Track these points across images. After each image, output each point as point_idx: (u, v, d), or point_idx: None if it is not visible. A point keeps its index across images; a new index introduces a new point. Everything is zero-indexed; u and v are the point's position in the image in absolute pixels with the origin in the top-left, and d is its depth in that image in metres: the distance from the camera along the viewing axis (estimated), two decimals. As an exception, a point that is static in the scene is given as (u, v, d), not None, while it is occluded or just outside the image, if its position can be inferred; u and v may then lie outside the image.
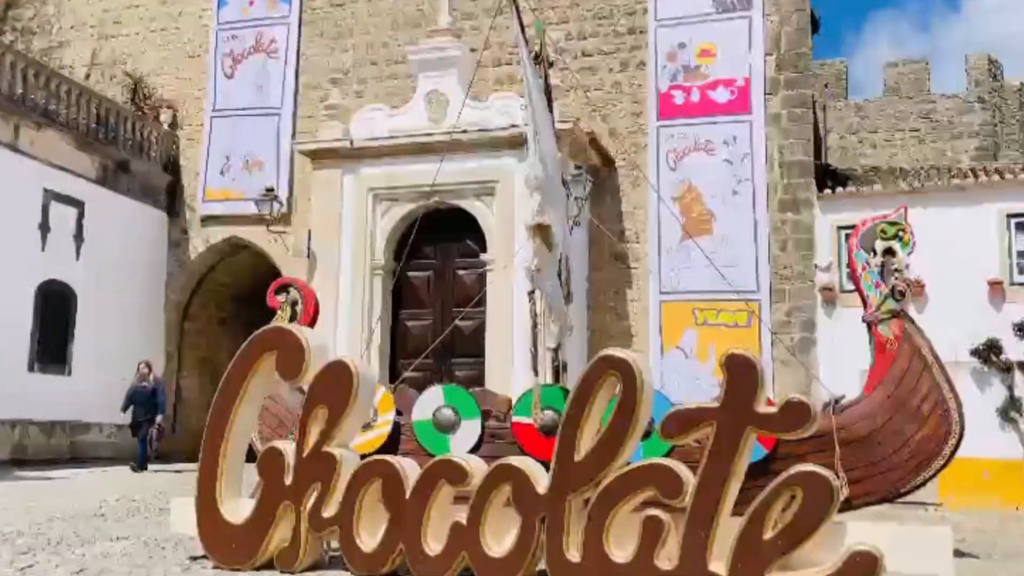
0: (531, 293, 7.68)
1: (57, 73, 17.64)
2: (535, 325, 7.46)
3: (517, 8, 7.14)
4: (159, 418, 15.66)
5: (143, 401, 15.50)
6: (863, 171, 17.51)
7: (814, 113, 17.96)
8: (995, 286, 14.46)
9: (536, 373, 7.42)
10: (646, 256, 16.51)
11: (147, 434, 15.43)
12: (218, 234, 19.26)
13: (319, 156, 16.81)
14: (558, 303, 7.86)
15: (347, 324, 15.87)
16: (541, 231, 7.20)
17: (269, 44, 19.29)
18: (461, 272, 16.26)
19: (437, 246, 16.19)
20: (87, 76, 19.79)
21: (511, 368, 14.22)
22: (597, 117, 16.76)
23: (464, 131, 14.88)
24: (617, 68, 17.43)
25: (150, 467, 15.19)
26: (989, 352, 14.16)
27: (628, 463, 5.47)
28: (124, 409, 15.47)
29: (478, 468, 5.83)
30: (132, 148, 18.68)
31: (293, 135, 18.67)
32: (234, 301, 20.49)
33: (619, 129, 17.13)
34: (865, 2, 58.49)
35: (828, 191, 15.84)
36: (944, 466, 6.69)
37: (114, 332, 17.54)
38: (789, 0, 16.55)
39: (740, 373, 5.30)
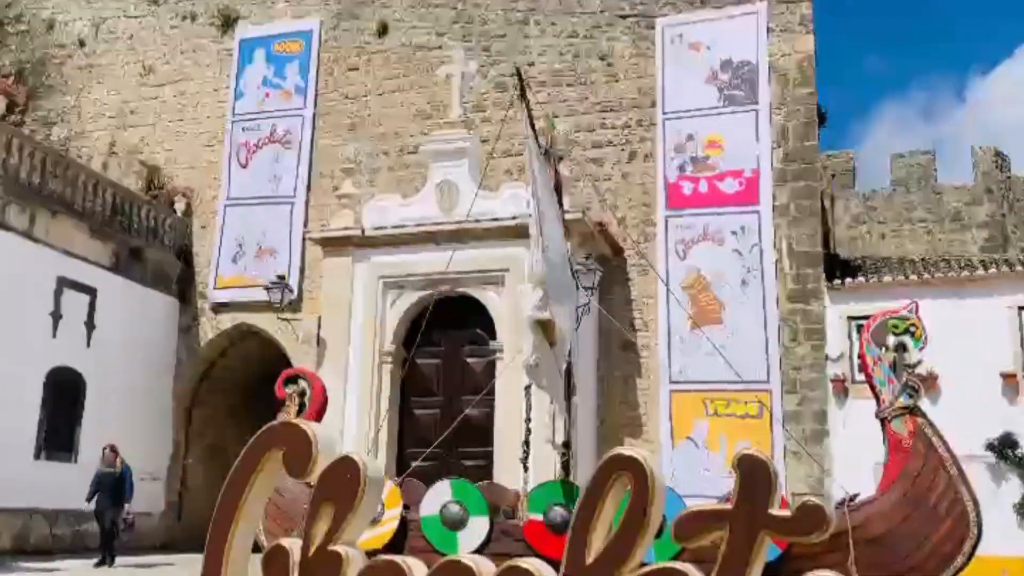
0: (527, 388, 7.65)
1: (74, 162, 17.94)
2: (528, 419, 7.41)
3: (528, 108, 7.27)
4: (127, 506, 14.50)
5: (109, 487, 14.40)
6: (872, 261, 17.53)
7: (822, 204, 18.10)
8: (1009, 379, 14.34)
9: (526, 469, 7.34)
10: (656, 345, 16.46)
11: (113, 524, 14.34)
12: (228, 320, 19.32)
13: (330, 244, 16.95)
14: (558, 399, 7.81)
15: (355, 411, 15.80)
16: (542, 326, 7.20)
17: (283, 135, 19.64)
18: (470, 360, 16.21)
19: (446, 334, 16.16)
20: (104, 165, 20.12)
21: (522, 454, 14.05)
22: (606, 207, 16.91)
23: (478, 220, 14.98)
24: (625, 159, 17.65)
25: (118, 560, 14.25)
26: (1004, 446, 13.96)
27: (641, 565, 5.34)
28: (89, 498, 14.34)
29: (486, 569, 5.70)
30: (146, 235, 18.89)
31: (305, 223, 18.87)
32: (243, 388, 20.42)
33: (628, 219, 17.27)
34: (871, 92, 59.56)
35: (838, 281, 15.85)
36: (962, 567, 6.54)
37: (122, 419, 17.44)
38: (795, 94, 16.82)
39: (754, 476, 5.20)
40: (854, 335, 14.73)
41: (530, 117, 7.37)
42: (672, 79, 17.37)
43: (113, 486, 14.49)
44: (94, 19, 21.99)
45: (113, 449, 14.81)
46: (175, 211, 19.88)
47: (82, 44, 21.92)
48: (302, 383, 8.05)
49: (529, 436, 7.58)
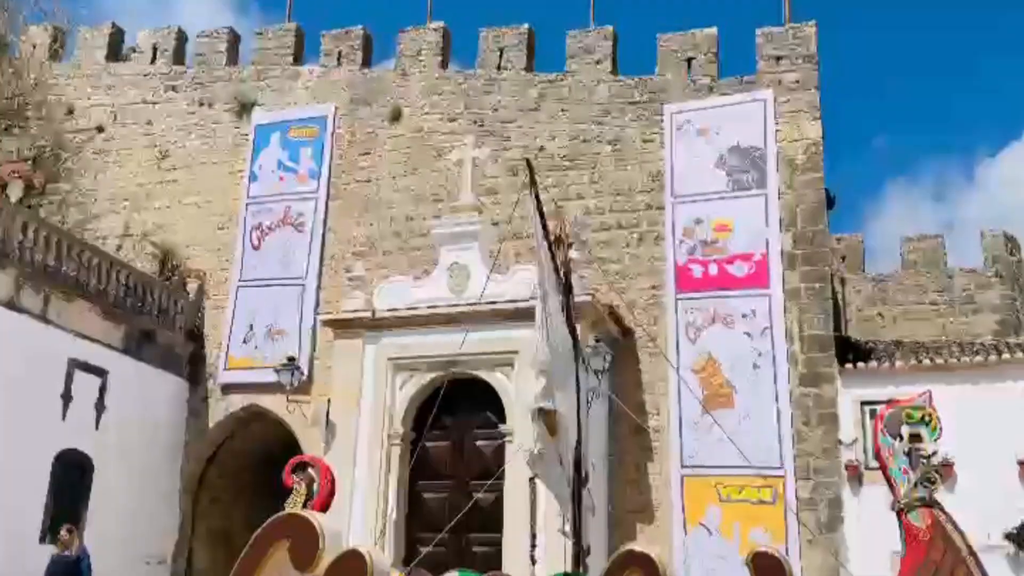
0: (532, 479, 7.56)
1: (88, 245, 18.12)
2: (534, 512, 7.31)
3: (537, 197, 7.35)
4: None
5: (62, 574, 13.52)
6: (884, 344, 17.44)
7: (832, 286, 18.10)
8: (1026, 465, 14.12)
9: (533, 562, 7.21)
10: (667, 428, 16.32)
11: None
12: (238, 402, 19.27)
13: (341, 326, 17.00)
14: (561, 491, 7.70)
15: (364, 494, 15.63)
16: (545, 416, 7.15)
17: (296, 217, 19.85)
18: (480, 443, 16.09)
19: (456, 416, 16.08)
20: (119, 247, 20.33)
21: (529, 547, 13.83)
22: (616, 289, 16.95)
23: (489, 303, 15.01)
24: (635, 242, 17.75)
25: None
26: (1023, 535, 13.69)
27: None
28: None
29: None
30: (158, 318, 18.97)
31: (316, 305, 18.95)
32: (251, 471, 20.26)
33: (638, 301, 17.27)
34: (880, 174, 60.02)
35: (850, 365, 15.75)
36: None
37: (129, 501, 17.32)
38: (803, 179, 16.95)
39: (769, 574, 5.13)
40: (867, 420, 14.58)
41: (539, 207, 7.44)
42: (681, 163, 17.56)
43: (67, 572, 13.58)
44: (113, 104, 22.45)
45: (70, 531, 13.94)
46: (188, 293, 20.00)
47: (100, 129, 22.33)
48: (310, 471, 7.98)
49: (536, 528, 7.46)
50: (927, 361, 15.27)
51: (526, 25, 19.91)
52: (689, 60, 18.40)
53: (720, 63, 18.36)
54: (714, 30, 18.49)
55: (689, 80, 18.25)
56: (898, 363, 15.50)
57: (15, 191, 17.73)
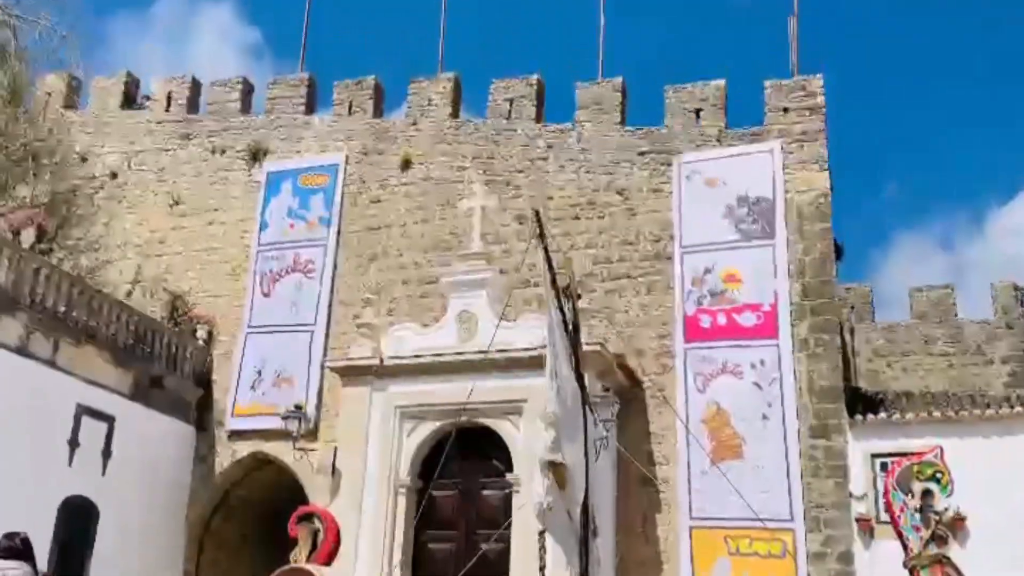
0: (541, 533, 7.51)
1: (99, 292, 18.19)
2: (543, 568, 7.24)
3: (546, 249, 7.39)
4: None
5: None
6: (895, 396, 17.34)
7: (842, 336, 18.05)
8: (1039, 519, 13.93)
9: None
10: (675, 479, 16.19)
11: None
12: (244, 448, 19.21)
13: (349, 373, 16.99)
14: (569, 543, 7.66)
15: (369, 543, 15.46)
16: (554, 469, 7.13)
17: (306, 264, 19.95)
18: (487, 493, 15.98)
19: (463, 465, 15.99)
20: (129, 293, 20.42)
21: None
22: (624, 339, 16.93)
23: (499, 351, 15.00)
24: (644, 291, 17.75)
25: None
26: (1037, 590, 13.47)
27: None
28: None
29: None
30: (167, 364, 18.98)
31: (325, 351, 18.95)
32: (257, 518, 20.15)
33: (646, 351, 17.24)
34: (889, 223, 60.09)
35: (860, 417, 15.62)
36: None
37: (134, 548, 17.22)
38: (812, 229, 16.98)
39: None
40: (878, 473, 14.45)
41: (548, 258, 7.48)
42: (689, 213, 17.63)
43: None
44: (127, 152, 22.70)
45: None
46: (197, 339, 20.04)
47: (114, 176, 22.57)
48: (316, 522, 7.95)
49: (545, 581, 7.39)
50: (937, 414, 15.13)
51: (536, 76, 20.14)
52: (697, 111, 18.56)
53: (728, 114, 18.54)
54: (722, 82, 18.68)
55: (697, 131, 18.39)
56: (909, 415, 15.36)
57: (27, 237, 17.86)
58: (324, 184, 20.61)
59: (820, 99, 17.79)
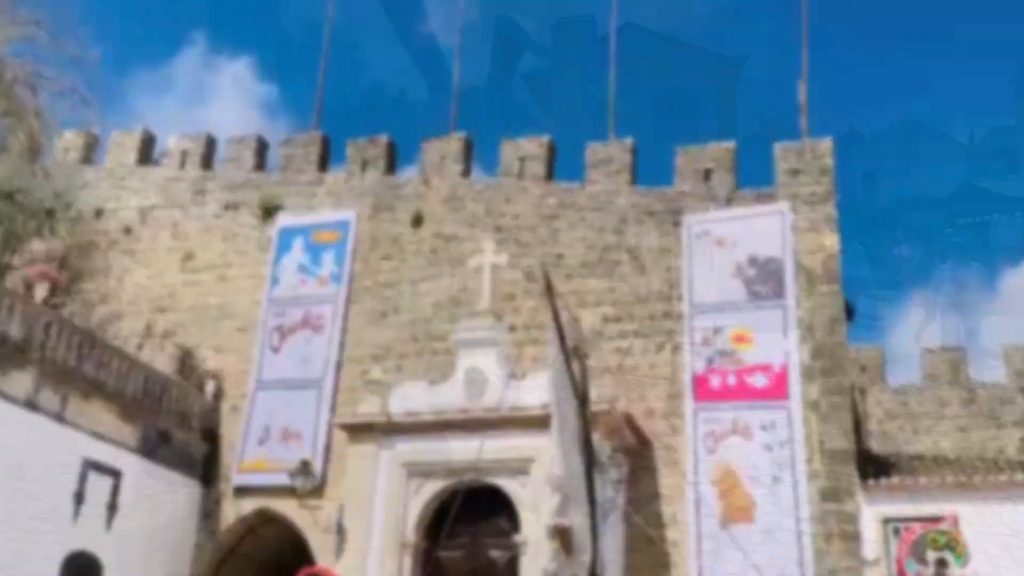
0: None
1: (108, 346, 18.21)
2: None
3: (554, 308, 7.40)
4: None
5: None
6: (906, 458, 17.17)
7: (853, 398, 17.92)
8: (1056, 588, 13.66)
9: None
10: (684, 542, 15.97)
11: None
12: (250, 505, 19.04)
13: (356, 430, 16.95)
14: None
15: (375, 604, 15.32)
16: (560, 534, 7.05)
17: (316, 320, 19.97)
18: (493, 553, 15.80)
19: (470, 525, 15.84)
20: (139, 347, 20.43)
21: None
22: (633, 398, 16.84)
23: (510, 409, 14.95)
24: (653, 350, 17.70)
25: None
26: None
27: None
28: None
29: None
30: (175, 419, 18.92)
31: (332, 407, 18.88)
32: (261, 575, 19.94)
33: (655, 410, 17.13)
34: (900, 284, 59.93)
35: (872, 481, 15.43)
36: None
37: (136, 607, 17.02)
38: (822, 290, 16.97)
39: None
40: (891, 537, 14.22)
41: (556, 318, 7.48)
42: (699, 273, 17.65)
43: None
44: (141, 207, 22.90)
45: None
46: (205, 393, 20.02)
47: (128, 231, 22.75)
48: (320, 583, 7.86)
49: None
50: (951, 479, 14.93)
51: (547, 136, 20.35)
52: (707, 172, 18.67)
53: (738, 175, 18.64)
54: (732, 143, 18.83)
55: (707, 191, 18.48)
56: (922, 479, 15.15)
57: (41, 292, 17.97)
58: (335, 240, 20.72)
59: (829, 161, 17.91)
